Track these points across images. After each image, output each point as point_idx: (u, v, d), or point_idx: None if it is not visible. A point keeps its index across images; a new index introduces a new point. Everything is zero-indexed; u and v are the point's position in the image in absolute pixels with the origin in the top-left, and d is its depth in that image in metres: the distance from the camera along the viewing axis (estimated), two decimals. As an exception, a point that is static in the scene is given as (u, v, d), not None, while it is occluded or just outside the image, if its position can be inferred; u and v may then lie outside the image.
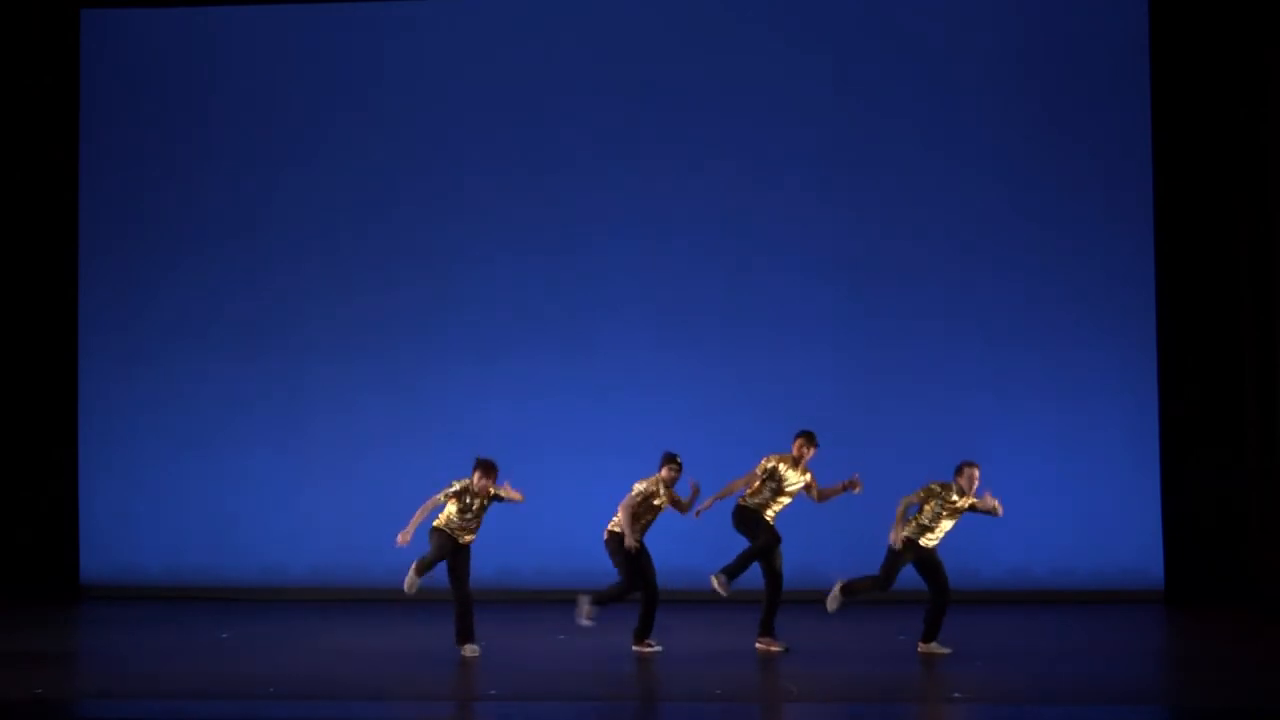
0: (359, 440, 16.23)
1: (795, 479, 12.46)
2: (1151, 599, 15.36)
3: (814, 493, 12.60)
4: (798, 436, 12.57)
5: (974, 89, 15.99)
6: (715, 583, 12.27)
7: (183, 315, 16.55)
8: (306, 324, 16.45)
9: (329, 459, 16.22)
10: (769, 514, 12.42)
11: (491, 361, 16.23)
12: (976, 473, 12.14)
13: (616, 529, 12.36)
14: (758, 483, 12.43)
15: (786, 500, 12.49)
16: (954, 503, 12.08)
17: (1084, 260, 15.79)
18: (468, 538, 12.20)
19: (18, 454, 16.48)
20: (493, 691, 10.74)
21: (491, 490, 12.20)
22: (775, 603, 12.46)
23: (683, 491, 12.49)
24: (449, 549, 12.13)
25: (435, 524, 12.21)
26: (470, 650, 12.03)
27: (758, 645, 12.38)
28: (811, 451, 12.51)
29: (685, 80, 16.24)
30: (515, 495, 12.30)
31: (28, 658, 12.10)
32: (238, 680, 11.12)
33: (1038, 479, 15.57)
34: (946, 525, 12.14)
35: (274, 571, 16.21)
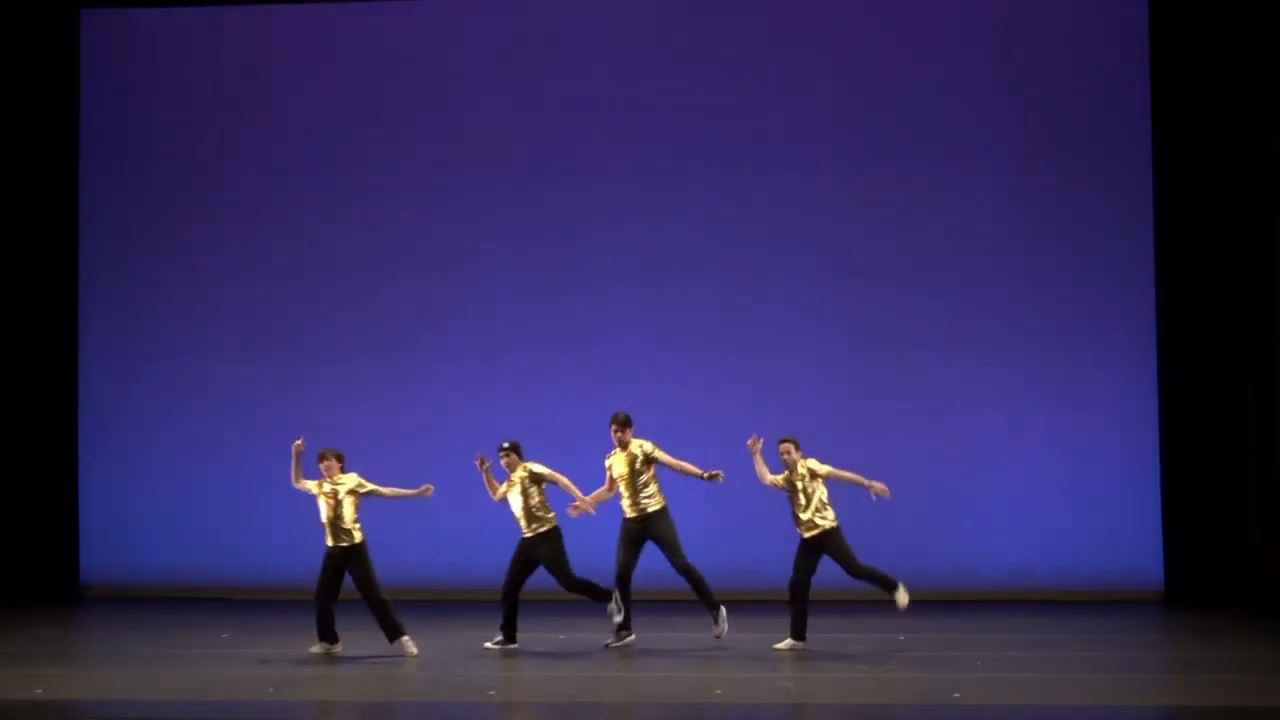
0: (358, 440, 16.15)
1: (614, 462, 12.69)
2: (1151, 599, 15.36)
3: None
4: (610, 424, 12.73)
5: (973, 90, 15.99)
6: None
7: (183, 315, 16.56)
8: (306, 323, 16.46)
9: (329, 459, 16.20)
10: (627, 514, 12.58)
11: (491, 361, 16.24)
12: (786, 447, 12.35)
13: None
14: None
15: (622, 492, 12.59)
16: (782, 484, 12.36)
17: (1084, 260, 15.79)
18: (341, 543, 12.14)
19: (17, 454, 16.48)
20: (491, 692, 10.75)
21: (337, 477, 12.17)
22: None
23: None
24: (328, 565, 12.16)
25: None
26: (321, 648, 12.22)
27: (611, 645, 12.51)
28: (623, 432, 12.65)
29: (685, 80, 16.25)
30: (370, 486, 12.28)
31: (28, 658, 12.10)
32: (237, 680, 11.12)
33: (1038, 479, 15.59)
34: (800, 513, 12.25)
35: (274, 571, 16.21)
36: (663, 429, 14.59)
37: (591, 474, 15.38)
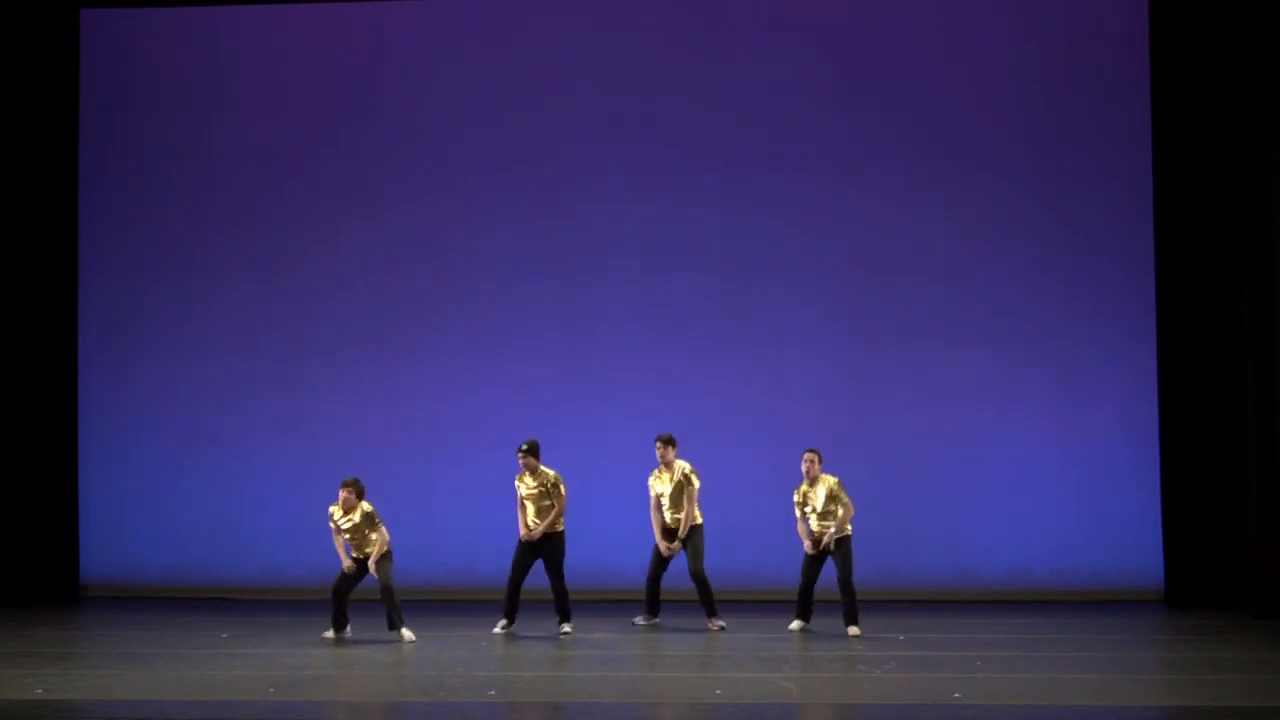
0: (358, 439, 16.23)
1: (660, 487, 13.45)
2: (1151, 599, 15.36)
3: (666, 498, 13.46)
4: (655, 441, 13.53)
5: (973, 90, 15.99)
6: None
7: (182, 315, 16.56)
8: (306, 322, 16.46)
9: (328, 458, 16.18)
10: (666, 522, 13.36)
11: (491, 358, 16.24)
12: (809, 457, 13.07)
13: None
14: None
15: (665, 507, 13.36)
16: (800, 499, 13.11)
17: (1084, 261, 15.79)
18: (355, 554, 12.98)
19: (17, 454, 16.47)
20: (491, 692, 10.75)
21: (356, 505, 12.76)
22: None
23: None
24: (346, 577, 12.95)
25: None
26: (334, 635, 13.03)
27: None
28: (668, 451, 13.42)
29: (684, 78, 16.24)
30: (383, 536, 12.88)
31: (28, 658, 12.10)
32: (237, 680, 11.13)
33: (1038, 479, 15.59)
34: (815, 523, 13.03)
35: (274, 571, 16.21)
36: (662, 426, 14.63)
37: (590, 471, 15.45)
